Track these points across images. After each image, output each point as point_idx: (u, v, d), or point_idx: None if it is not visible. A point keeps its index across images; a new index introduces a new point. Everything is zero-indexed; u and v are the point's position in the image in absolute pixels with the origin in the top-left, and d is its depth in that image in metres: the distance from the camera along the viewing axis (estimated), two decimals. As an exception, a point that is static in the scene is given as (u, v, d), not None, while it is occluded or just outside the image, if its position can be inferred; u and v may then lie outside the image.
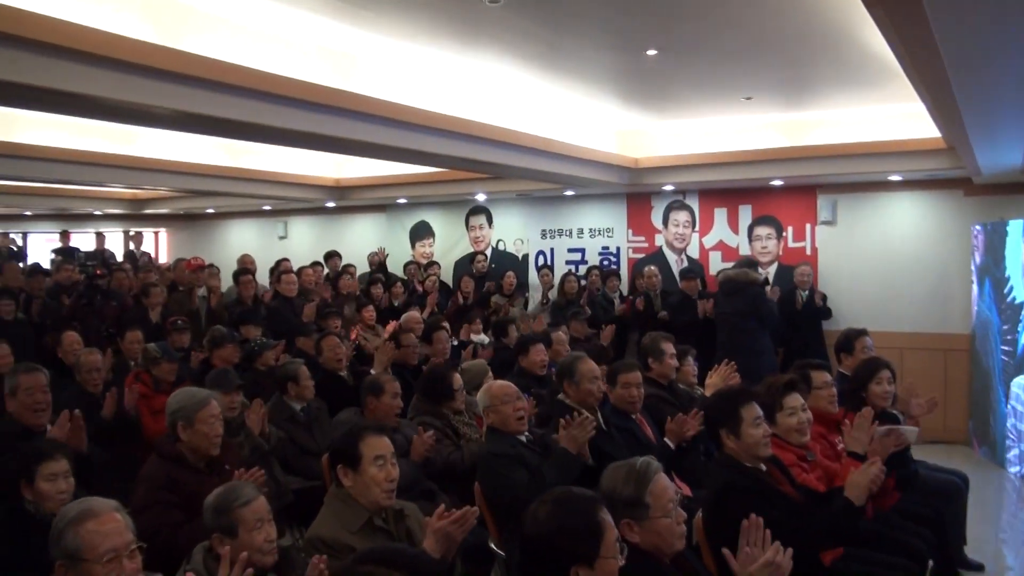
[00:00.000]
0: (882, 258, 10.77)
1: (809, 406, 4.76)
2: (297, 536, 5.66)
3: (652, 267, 11.06)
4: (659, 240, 12.40)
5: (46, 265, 11.64)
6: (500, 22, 6.01)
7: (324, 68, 6.57)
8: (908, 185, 10.52)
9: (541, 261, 13.25)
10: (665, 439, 5.14)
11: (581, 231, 13.08)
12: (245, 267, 10.35)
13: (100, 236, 13.98)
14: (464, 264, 13.57)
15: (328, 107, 6.51)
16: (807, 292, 10.31)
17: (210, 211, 16.51)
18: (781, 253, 11.38)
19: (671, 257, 12.25)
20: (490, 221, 14.01)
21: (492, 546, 4.49)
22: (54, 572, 2.67)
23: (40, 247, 16.03)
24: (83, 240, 14.42)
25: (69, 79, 4.94)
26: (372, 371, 6.86)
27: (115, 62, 5.01)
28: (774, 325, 9.27)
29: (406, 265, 12.81)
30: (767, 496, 3.83)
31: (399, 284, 11.26)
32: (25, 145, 8.81)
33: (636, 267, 12.20)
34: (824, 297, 10.43)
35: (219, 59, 5.62)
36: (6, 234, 13.37)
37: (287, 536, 5.65)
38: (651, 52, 6.73)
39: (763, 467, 4.05)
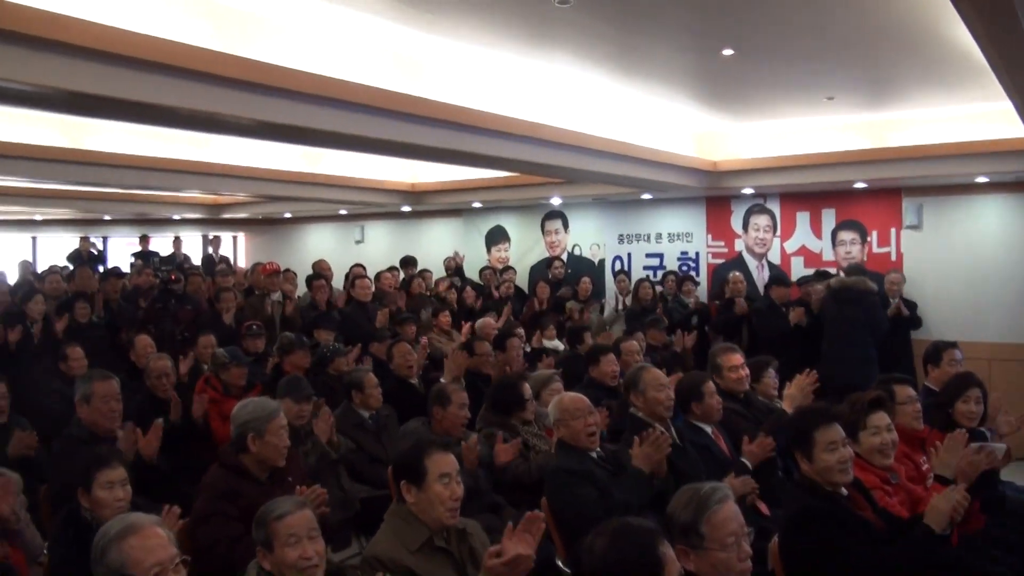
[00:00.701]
0: (969, 264, 10.34)
1: (893, 422, 4.53)
2: (363, 545, 5.60)
3: (737, 273, 10.72)
4: (739, 245, 12.13)
5: (126, 269, 11.83)
6: (571, 23, 5.90)
7: (395, 74, 6.53)
8: (996, 187, 10.08)
9: (618, 266, 13.06)
10: (743, 459, 4.94)
11: (659, 236, 12.86)
12: (319, 272, 10.38)
13: (178, 240, 14.20)
14: (540, 269, 13.45)
15: (399, 113, 6.48)
16: (895, 300, 9.89)
17: (287, 216, 16.67)
18: (865, 259, 10.98)
19: (751, 263, 11.97)
20: (566, 226, 13.88)
21: (559, 563, 4.36)
22: None
23: (120, 251, 16.33)
24: (162, 244, 14.65)
25: (146, 90, 5.03)
26: (442, 379, 6.78)
27: (189, 72, 5.09)
28: (882, 336, 8.92)
29: (482, 270, 12.72)
30: (846, 523, 3.62)
31: (468, 288, 11.16)
32: (104, 152, 8.97)
33: (717, 273, 11.94)
34: (914, 305, 10.00)
35: (290, 67, 5.64)
36: (87, 238, 13.65)
37: (353, 545, 5.61)
38: (727, 52, 6.55)
39: (843, 491, 3.84)
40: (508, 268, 12.75)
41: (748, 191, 11.39)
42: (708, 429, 5.25)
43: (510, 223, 14.41)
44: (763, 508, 4.80)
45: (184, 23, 5.18)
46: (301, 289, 10.51)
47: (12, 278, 11.62)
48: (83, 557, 2.68)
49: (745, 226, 12.07)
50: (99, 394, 4.93)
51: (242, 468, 4.13)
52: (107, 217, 16.99)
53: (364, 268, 11.29)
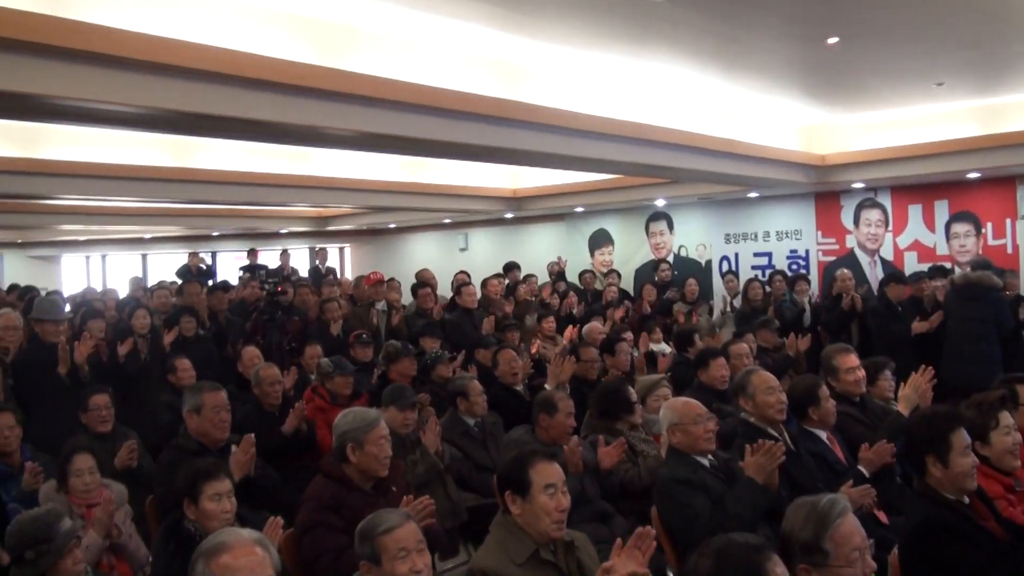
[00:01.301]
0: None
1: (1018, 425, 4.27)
2: (471, 553, 5.57)
3: (844, 270, 10.34)
4: (850, 241, 11.78)
5: (235, 283, 12.08)
6: (669, 19, 5.79)
7: (495, 80, 6.52)
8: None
9: (725, 267, 12.83)
10: (859, 467, 4.73)
11: (767, 234, 12.60)
12: (424, 280, 10.42)
13: (285, 253, 14.46)
14: (646, 272, 13.28)
15: (501, 119, 6.48)
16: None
17: (392, 226, 16.86)
18: (980, 252, 10.52)
19: (863, 259, 11.62)
20: (671, 227, 13.71)
21: (670, 574, 4.24)
22: None
23: (229, 265, 16.74)
24: (270, 257, 14.94)
25: (252, 107, 5.16)
26: (547, 385, 6.70)
27: (292, 88, 5.22)
28: (1007, 335, 8.49)
29: (581, 274, 12.59)
30: (969, 534, 3.41)
31: (572, 293, 11.04)
32: (212, 170, 9.23)
33: (827, 271, 11.59)
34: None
35: (391, 78, 5.68)
36: (195, 253, 14.00)
37: (461, 554, 5.58)
38: (832, 40, 6.37)
39: (966, 499, 3.62)
40: (612, 271, 12.59)
41: (858, 185, 11.07)
42: (823, 435, 5.05)
43: (614, 226, 14.29)
44: (882, 517, 4.60)
45: (286, 40, 5.29)
46: (406, 298, 10.58)
47: (124, 295, 12.02)
48: (185, 569, 2.63)
49: (856, 221, 11.73)
50: (209, 404, 4.97)
51: (345, 478, 4.12)
52: (215, 233, 17.47)
53: (468, 275, 11.30)
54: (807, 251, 12.20)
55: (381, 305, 9.63)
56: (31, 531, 3.30)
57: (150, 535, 4.53)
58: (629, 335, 8.52)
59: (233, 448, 4.89)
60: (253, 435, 4.91)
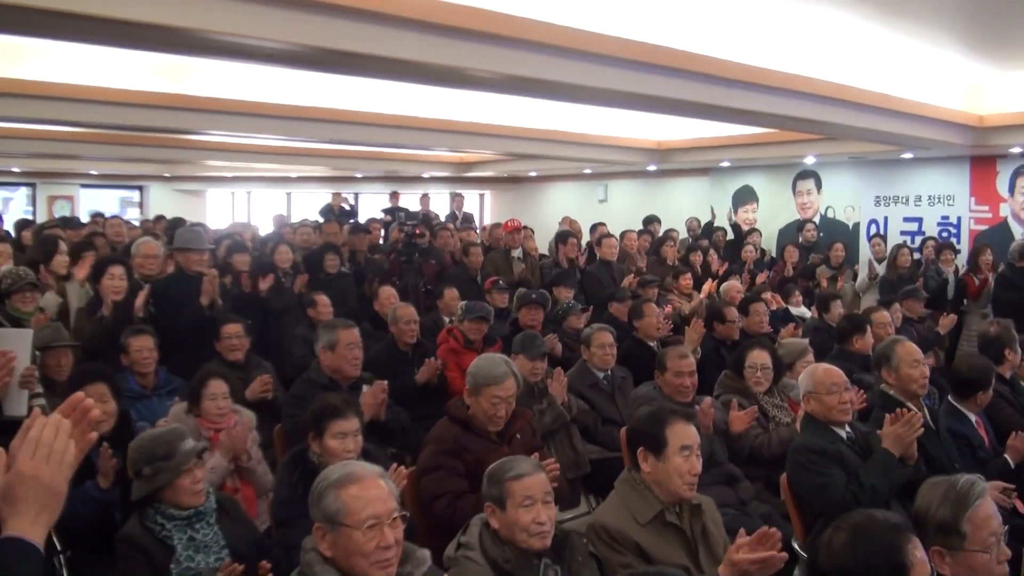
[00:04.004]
0: None
1: None
2: (593, 505, 5.55)
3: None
4: (1004, 210, 11.13)
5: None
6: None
7: (641, 23, 6.30)
8: None
9: (873, 231, 12.30)
10: (1005, 455, 4.45)
11: (919, 199, 12.04)
12: (571, 231, 10.35)
13: (425, 197, 14.60)
14: (790, 232, 12.90)
15: (647, 64, 6.30)
16: None
17: (532, 174, 16.80)
18: None
19: (1017, 230, 10.95)
20: (819, 186, 13.25)
21: (795, 546, 4.07)
22: (313, 533, 2.62)
23: (371, 207, 16.99)
24: (411, 201, 15.10)
25: (395, 46, 5.12)
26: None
27: (435, 27, 5.15)
28: None
29: (714, 230, 12.32)
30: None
31: (712, 252, 10.73)
32: (356, 111, 9.30)
33: (977, 241, 10.97)
34: None
35: (535, 19, 5.56)
36: (339, 194, 14.27)
37: (582, 505, 5.55)
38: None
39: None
40: (753, 230, 12.21)
41: (1016, 149, 10.41)
42: (972, 417, 4.79)
43: (759, 183, 13.91)
44: (1020, 506, 4.33)
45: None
46: (542, 247, 10.54)
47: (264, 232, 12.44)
48: (306, 499, 2.69)
49: (1011, 189, 11.08)
50: (344, 341, 5.04)
51: (470, 422, 4.09)
52: (359, 175, 17.75)
53: (607, 227, 11.18)
54: (959, 218, 11.61)
55: (517, 252, 9.61)
56: (150, 448, 3.38)
57: (276, 463, 4.63)
58: (768, 296, 8.29)
59: (364, 388, 4.94)
60: (386, 382, 4.96)
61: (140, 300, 5.89)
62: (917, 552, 2.27)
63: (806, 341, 6.40)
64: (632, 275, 9.03)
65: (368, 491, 2.60)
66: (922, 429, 4.04)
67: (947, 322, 7.93)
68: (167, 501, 3.34)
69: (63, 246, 7.16)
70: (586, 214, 13.82)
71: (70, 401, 1.65)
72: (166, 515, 3.32)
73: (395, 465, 3.66)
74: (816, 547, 2.35)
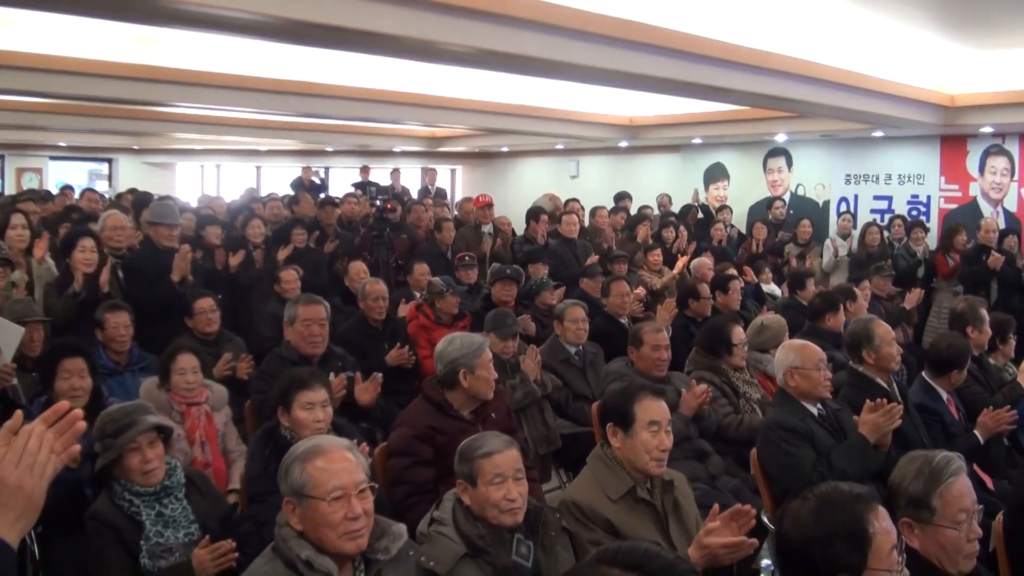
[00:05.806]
0: None
1: None
2: (564, 480, 5.57)
3: (990, 219, 9.78)
4: (973, 189, 11.22)
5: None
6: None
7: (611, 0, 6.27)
8: None
9: (843, 208, 12.37)
10: (975, 431, 4.52)
11: (889, 177, 12.12)
12: (542, 207, 10.31)
13: (396, 172, 14.51)
14: (759, 209, 12.92)
15: (618, 40, 6.28)
16: None
17: (504, 149, 16.74)
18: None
19: (986, 209, 11.07)
20: (790, 164, 13.30)
21: (764, 519, 4.10)
22: (282, 508, 2.62)
23: (342, 181, 16.88)
24: (382, 176, 15.00)
25: (366, 17, 5.08)
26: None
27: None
28: None
29: (683, 208, 12.40)
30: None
31: (682, 229, 10.73)
32: (327, 84, 9.22)
33: (947, 220, 11.06)
34: None
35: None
36: (309, 167, 14.16)
37: (554, 480, 5.57)
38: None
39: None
40: (724, 207, 12.25)
41: (986, 129, 10.48)
42: (944, 394, 4.86)
43: (731, 160, 13.95)
44: (987, 481, 4.39)
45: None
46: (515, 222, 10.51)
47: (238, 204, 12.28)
48: (277, 473, 2.69)
49: (981, 168, 11.17)
50: (302, 317, 5.00)
51: (445, 404, 4.07)
52: (329, 148, 17.59)
53: (579, 203, 11.16)
54: (929, 197, 11.70)
55: (487, 228, 9.59)
56: (101, 425, 3.38)
57: (247, 438, 4.63)
58: (743, 272, 8.34)
59: (336, 375, 4.86)
60: (380, 375, 4.93)
61: (105, 275, 5.80)
62: (882, 521, 2.28)
63: (783, 321, 6.42)
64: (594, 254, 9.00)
65: (334, 463, 2.60)
66: (900, 421, 4.06)
67: (913, 296, 8.04)
68: (126, 478, 3.32)
69: (16, 219, 6.63)
70: (558, 190, 13.79)
71: (55, 409, 1.64)
72: (133, 491, 3.29)
73: (356, 440, 3.65)
74: (782, 517, 2.37)
